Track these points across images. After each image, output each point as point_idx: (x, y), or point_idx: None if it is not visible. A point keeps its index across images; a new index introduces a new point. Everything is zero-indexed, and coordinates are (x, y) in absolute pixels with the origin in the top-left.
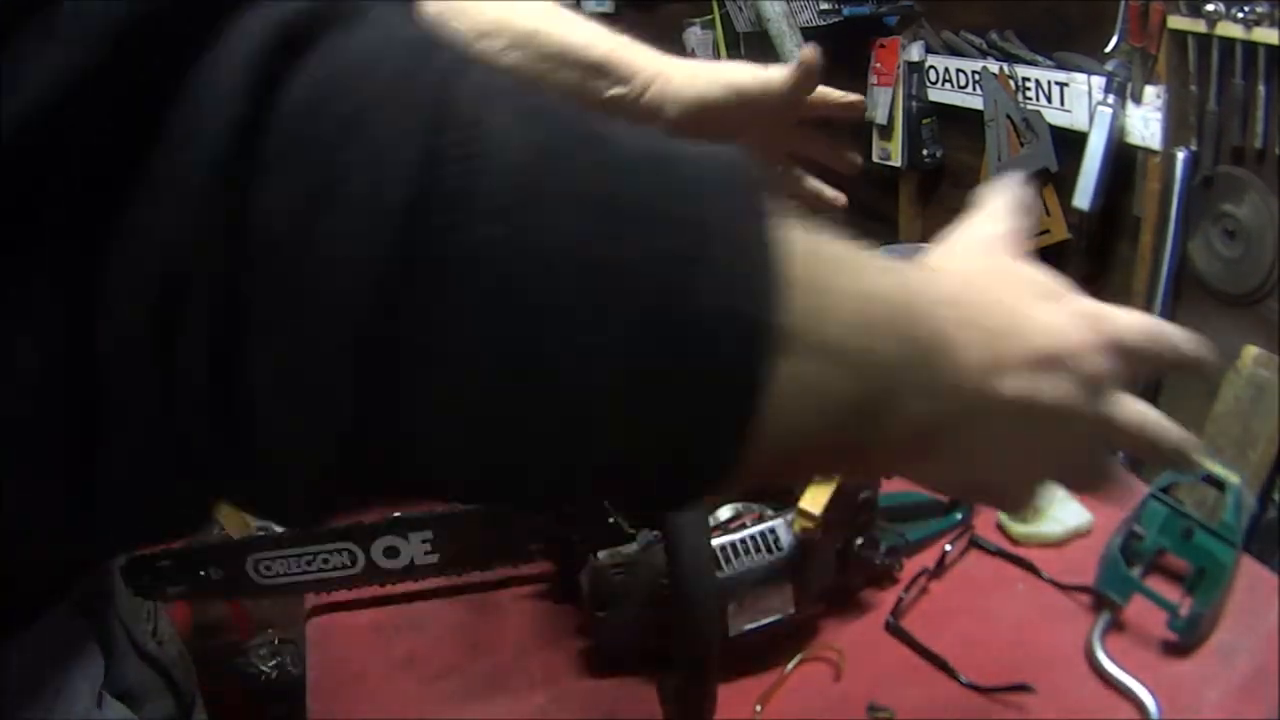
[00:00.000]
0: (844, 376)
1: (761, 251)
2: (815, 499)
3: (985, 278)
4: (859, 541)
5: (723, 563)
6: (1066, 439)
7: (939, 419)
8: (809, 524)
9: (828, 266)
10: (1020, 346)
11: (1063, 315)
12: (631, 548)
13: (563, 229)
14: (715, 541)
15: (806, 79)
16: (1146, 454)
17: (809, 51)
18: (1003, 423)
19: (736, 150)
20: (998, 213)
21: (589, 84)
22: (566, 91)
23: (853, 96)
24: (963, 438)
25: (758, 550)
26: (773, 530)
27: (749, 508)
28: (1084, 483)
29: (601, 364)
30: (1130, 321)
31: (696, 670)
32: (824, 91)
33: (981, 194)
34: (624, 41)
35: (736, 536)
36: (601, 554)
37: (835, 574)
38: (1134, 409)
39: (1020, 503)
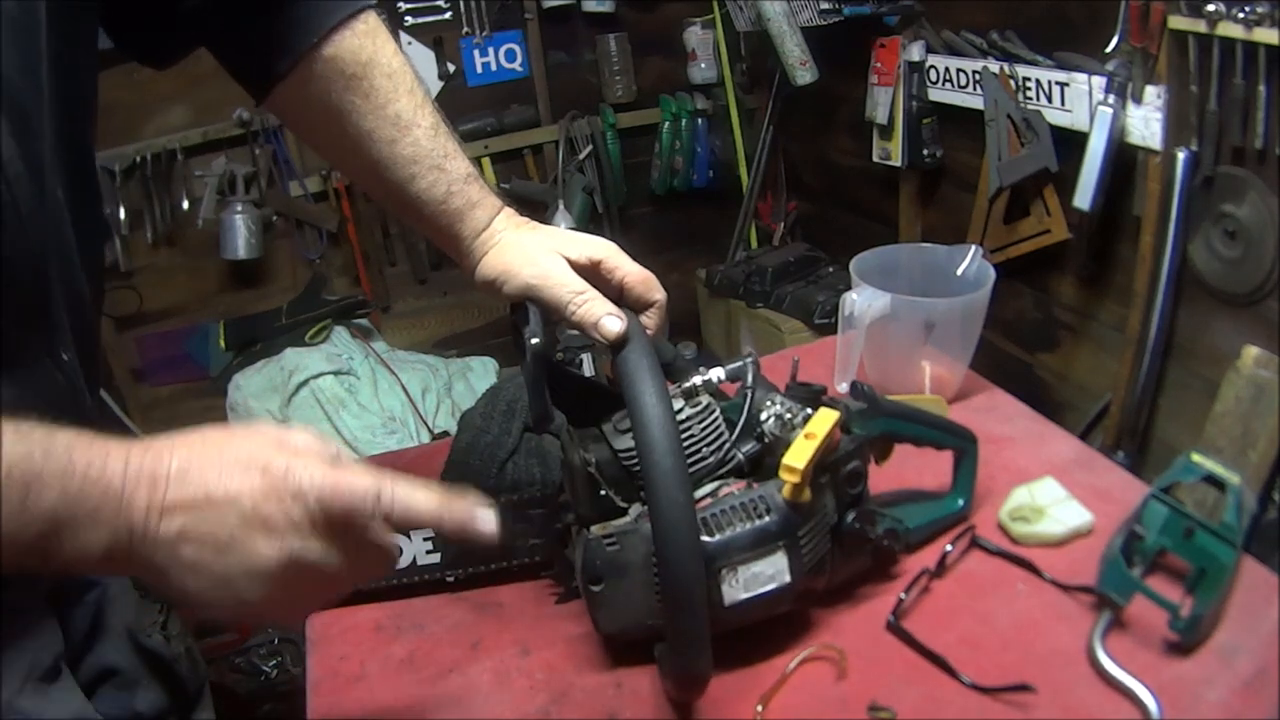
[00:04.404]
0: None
1: None
2: (798, 454)
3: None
4: (851, 516)
5: (713, 529)
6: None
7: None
8: (793, 479)
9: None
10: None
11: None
12: (624, 520)
13: None
14: (701, 509)
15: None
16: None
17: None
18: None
19: None
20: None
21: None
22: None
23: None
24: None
25: (746, 517)
26: (761, 497)
27: (735, 481)
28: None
29: None
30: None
31: (686, 631)
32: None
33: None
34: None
35: (724, 505)
36: (594, 527)
37: (831, 550)
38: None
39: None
